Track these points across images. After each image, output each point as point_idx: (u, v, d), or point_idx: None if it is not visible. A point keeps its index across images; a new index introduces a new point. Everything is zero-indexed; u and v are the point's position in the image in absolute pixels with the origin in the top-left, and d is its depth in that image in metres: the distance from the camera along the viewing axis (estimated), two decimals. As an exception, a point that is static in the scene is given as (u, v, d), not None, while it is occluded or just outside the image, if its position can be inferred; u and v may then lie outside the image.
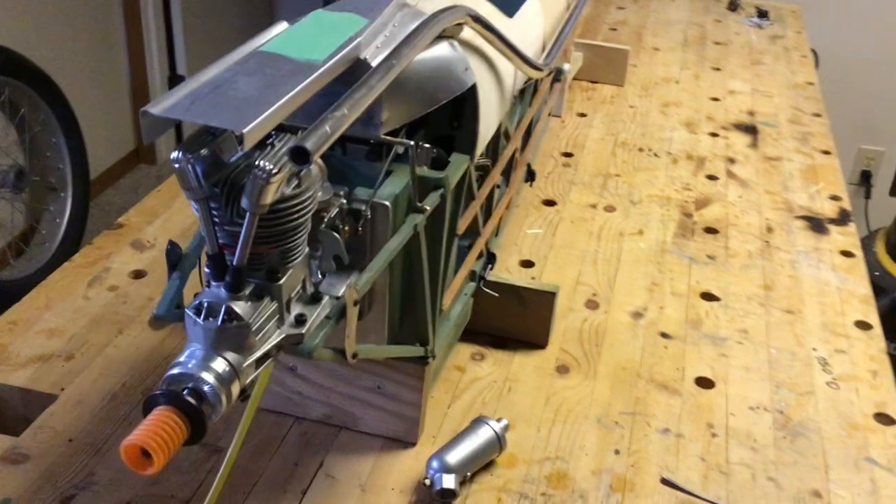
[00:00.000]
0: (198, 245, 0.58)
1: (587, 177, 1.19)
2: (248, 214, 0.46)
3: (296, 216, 0.50)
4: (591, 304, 0.93)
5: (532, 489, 0.70)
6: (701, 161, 1.26)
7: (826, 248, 1.07)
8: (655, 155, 1.27)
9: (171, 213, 1.04)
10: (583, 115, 1.38)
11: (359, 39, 0.54)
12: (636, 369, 0.84)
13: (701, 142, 1.32)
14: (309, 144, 0.42)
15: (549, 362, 0.85)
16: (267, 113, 0.45)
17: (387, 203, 0.56)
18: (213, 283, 0.50)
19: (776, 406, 0.81)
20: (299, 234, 0.51)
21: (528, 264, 0.99)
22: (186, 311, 0.49)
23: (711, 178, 1.22)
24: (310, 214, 0.51)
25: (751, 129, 1.37)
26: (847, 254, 1.06)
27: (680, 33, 1.77)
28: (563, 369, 0.84)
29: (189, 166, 0.47)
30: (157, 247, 0.97)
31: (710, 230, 1.09)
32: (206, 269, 0.51)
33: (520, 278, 0.92)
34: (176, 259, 0.57)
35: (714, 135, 1.34)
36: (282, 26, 0.56)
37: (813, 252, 1.06)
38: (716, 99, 1.47)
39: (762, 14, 1.89)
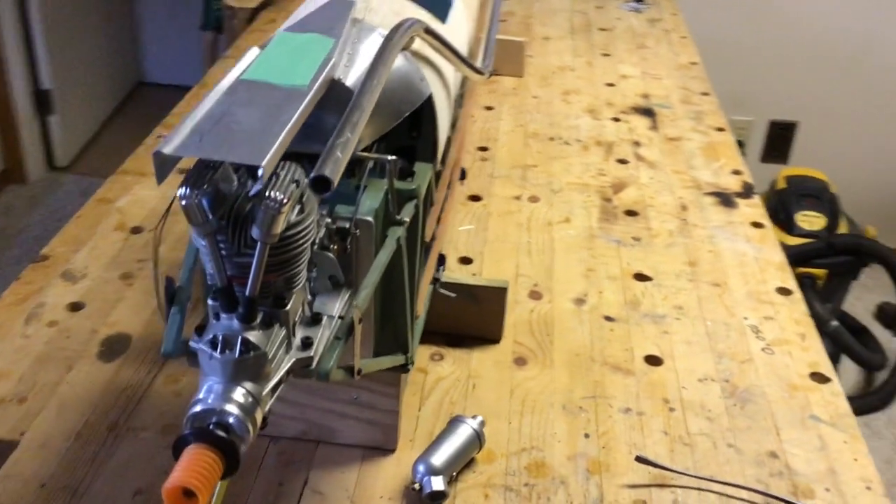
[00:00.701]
0: (188, 277, 0.57)
1: (506, 169, 1.22)
2: (258, 244, 0.46)
3: (301, 242, 0.50)
4: (535, 295, 0.96)
5: (515, 481, 0.73)
6: (609, 146, 1.31)
7: (738, 221, 1.13)
8: (566, 143, 1.31)
9: (97, 241, 1.01)
10: (490, 108, 1.40)
11: (333, 60, 0.55)
12: (588, 354, 0.88)
13: (606, 127, 1.37)
14: (328, 173, 0.43)
15: (506, 356, 0.87)
16: (277, 144, 0.45)
17: (370, 219, 0.57)
18: (224, 316, 0.49)
19: (721, 376, 0.86)
20: (302, 260, 0.51)
21: (466, 261, 1.01)
22: (200, 345, 0.49)
23: (622, 161, 1.27)
24: (311, 239, 0.51)
25: (649, 112, 1.43)
26: (757, 224, 1.13)
27: (566, 21, 1.83)
28: (520, 361, 0.86)
29: (196, 202, 0.46)
30: (89, 276, 0.94)
31: (631, 213, 1.14)
32: (211, 302, 0.50)
33: (468, 276, 0.94)
34: (173, 294, 0.56)
35: (616, 119, 1.40)
36: (254, 52, 0.56)
37: (727, 226, 1.12)
38: (611, 84, 1.53)
39: (638, -2, 1.96)
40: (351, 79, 0.57)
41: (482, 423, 0.74)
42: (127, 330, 0.87)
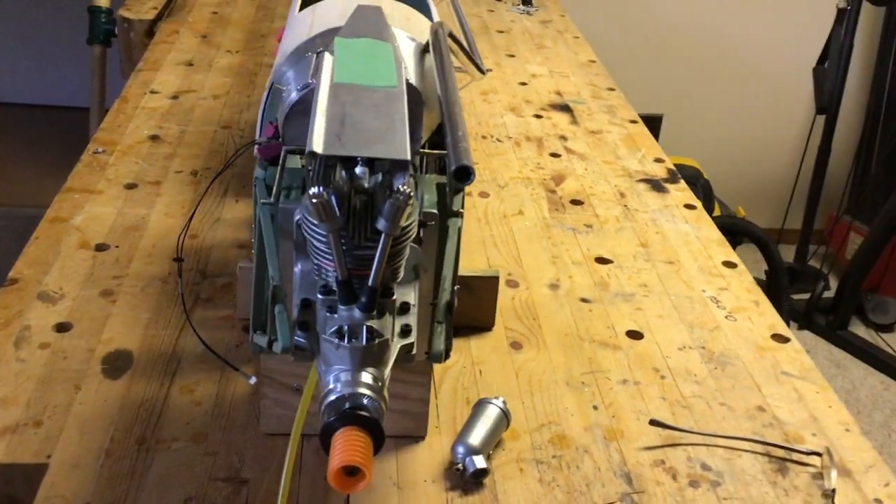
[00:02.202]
0: (280, 275, 0.58)
1: (449, 168, 1.26)
2: (383, 237, 0.49)
3: (411, 234, 0.53)
4: (512, 283, 1.01)
5: (543, 454, 0.77)
6: (539, 141, 1.37)
7: (672, 205, 1.22)
8: (499, 140, 1.37)
9: (63, 260, 0.98)
10: (418, 110, 1.44)
11: (404, 62, 0.58)
12: (576, 334, 0.94)
13: (530, 124, 1.43)
14: (468, 162, 0.46)
15: (501, 341, 0.92)
16: (406, 139, 0.48)
17: (435, 211, 0.61)
18: (342, 308, 0.52)
19: (697, 343, 0.94)
20: (406, 251, 0.54)
21: (437, 256, 1.05)
22: (325, 337, 0.51)
23: (554, 155, 1.33)
24: (416, 231, 0.54)
25: (566, 108, 1.51)
26: (689, 206, 1.22)
27: (465, 25, 1.89)
28: (516, 345, 0.91)
29: (327, 200, 0.48)
30: (68, 296, 0.92)
31: (576, 202, 1.20)
32: (321, 296, 0.52)
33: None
34: (260, 294, 0.57)
35: (538, 116, 1.47)
36: (330, 59, 0.58)
37: (664, 209, 1.20)
38: (524, 83, 1.60)
39: (526, 1, 2.05)
40: (409, 75, 0.60)
41: (505, 403, 0.78)
42: (125, 346, 0.86)
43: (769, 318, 0.99)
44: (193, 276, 0.97)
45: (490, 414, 0.77)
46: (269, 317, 0.64)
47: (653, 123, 3.09)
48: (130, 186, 1.14)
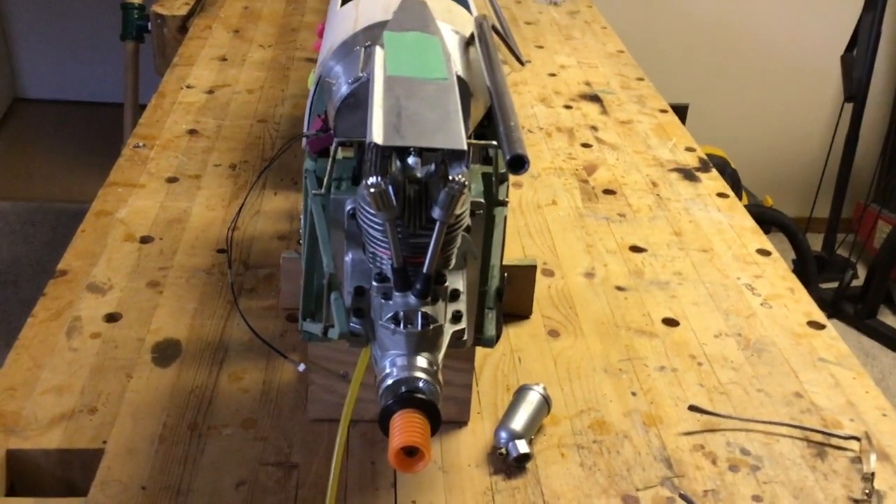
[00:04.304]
0: (334, 264, 0.60)
1: (483, 159, 1.28)
2: (438, 224, 0.51)
3: (463, 222, 0.54)
4: (547, 273, 1.03)
5: (583, 439, 0.79)
6: (570, 132, 1.39)
7: (705, 194, 1.23)
8: (530, 131, 1.38)
9: (110, 252, 1.00)
10: (449, 102, 1.46)
11: (451, 54, 0.59)
12: (612, 322, 0.95)
13: (560, 115, 1.45)
14: (523, 151, 0.48)
15: (539, 329, 0.93)
16: (462, 129, 0.49)
17: (482, 200, 0.62)
18: (397, 294, 0.53)
19: (733, 330, 0.95)
20: (458, 239, 0.55)
21: (474, 246, 1.07)
22: (381, 324, 0.53)
23: (585, 145, 1.35)
24: (467, 221, 0.56)
25: (595, 98, 1.52)
26: (722, 195, 1.23)
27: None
28: (553, 333, 0.93)
29: (384, 189, 0.50)
30: (116, 287, 0.95)
31: (609, 191, 1.21)
32: (377, 283, 0.54)
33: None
34: (331, 281, 0.59)
35: (568, 107, 1.48)
36: (381, 52, 0.60)
37: (697, 198, 1.21)
38: (553, 74, 1.61)
39: (553, -8, 2.05)
40: (457, 67, 0.62)
41: (545, 388, 0.80)
42: (173, 335, 0.88)
43: (805, 304, 1.00)
44: (237, 268, 0.99)
45: (531, 400, 0.79)
46: (319, 304, 0.66)
47: (679, 113, 3.09)
48: (171, 180, 1.16)
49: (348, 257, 0.60)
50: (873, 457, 0.77)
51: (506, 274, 0.63)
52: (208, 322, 0.90)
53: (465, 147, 0.48)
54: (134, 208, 1.09)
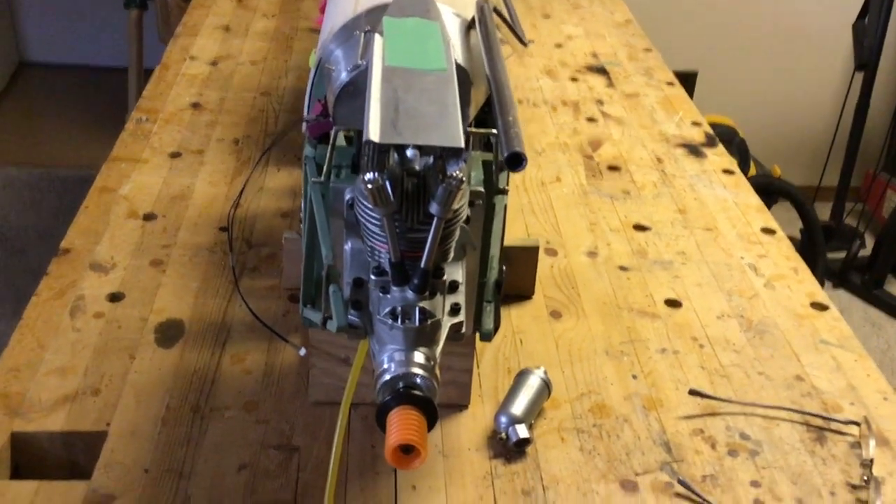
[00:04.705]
0: (332, 255, 0.60)
1: (487, 134, 1.27)
2: (435, 220, 0.50)
3: (461, 216, 0.54)
4: (550, 252, 1.02)
5: (583, 423, 0.79)
6: (575, 105, 1.37)
7: (710, 170, 1.22)
8: (535, 105, 1.37)
9: (113, 230, 1.01)
10: (454, 75, 1.45)
11: (451, 42, 0.59)
12: (614, 302, 0.95)
13: (566, 88, 1.43)
14: (520, 148, 0.47)
15: (541, 310, 0.93)
16: (460, 126, 0.49)
17: (482, 189, 0.62)
18: (395, 289, 0.53)
19: (735, 312, 0.94)
20: (457, 232, 0.55)
21: (477, 224, 1.06)
22: (379, 318, 0.53)
23: (591, 120, 1.33)
24: (465, 214, 0.55)
25: (602, 70, 1.50)
26: (728, 171, 1.22)
27: (500, -15, 1.87)
28: (555, 314, 0.93)
29: (381, 185, 0.50)
30: (119, 266, 0.95)
31: (613, 168, 1.21)
32: (374, 277, 0.54)
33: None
34: (330, 273, 0.59)
35: (574, 79, 1.46)
36: (379, 40, 0.59)
37: (702, 175, 1.20)
38: (559, 45, 1.59)
39: (561, -41, 2.02)
40: (457, 55, 0.61)
41: (546, 372, 0.80)
42: (176, 315, 0.88)
43: (808, 285, 0.99)
44: (239, 246, 0.99)
45: (532, 384, 0.79)
46: (319, 291, 0.66)
47: (688, 80, 3.06)
48: (174, 155, 1.16)
49: (347, 246, 0.60)
50: (872, 442, 0.77)
51: (504, 267, 0.63)
52: (211, 302, 0.91)
53: (462, 145, 0.47)
54: (137, 184, 1.09)
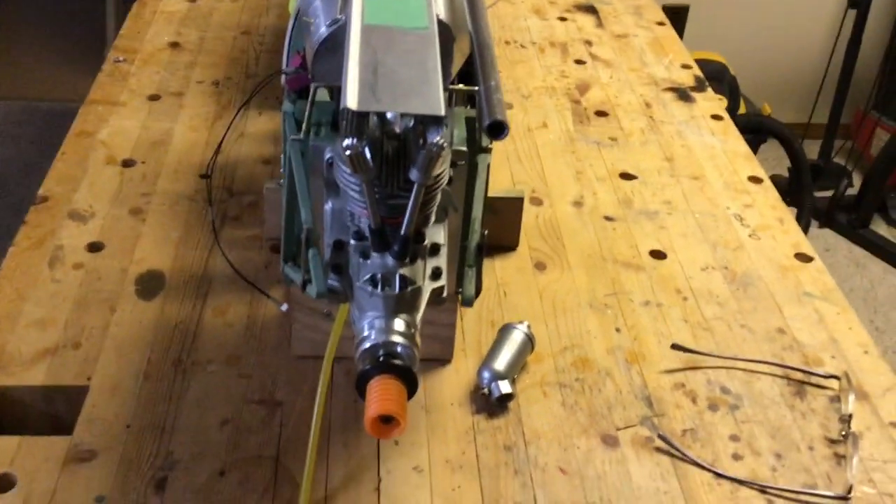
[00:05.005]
0: (312, 218, 0.59)
1: (473, 77, 1.25)
2: (416, 186, 0.49)
3: (442, 181, 0.53)
4: (535, 201, 1.01)
5: (566, 377, 0.79)
6: (563, 47, 1.35)
7: (699, 115, 1.20)
8: (522, 46, 1.35)
9: (92, 177, 0.99)
10: (440, 14, 1.41)
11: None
12: (599, 254, 0.94)
13: (555, 28, 1.41)
14: (502, 117, 0.46)
15: (525, 262, 0.93)
16: (441, 91, 0.47)
17: (464, 149, 0.60)
18: (375, 255, 0.52)
19: (720, 263, 0.94)
20: (438, 197, 0.54)
21: (462, 172, 1.05)
22: (359, 285, 0.52)
23: (579, 62, 1.31)
24: (448, 177, 0.54)
25: (591, 9, 1.47)
26: (716, 117, 1.20)
27: (489, -82, 1.82)
28: (540, 266, 0.92)
29: (360, 151, 0.48)
30: (98, 215, 0.93)
31: (601, 113, 1.19)
32: (354, 242, 0.53)
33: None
34: (309, 236, 0.58)
35: (563, 19, 1.43)
36: (357, -4, 0.57)
37: (690, 120, 1.19)
38: (548, -18, 1.56)
39: None
40: (439, 10, 0.59)
41: (529, 327, 0.80)
42: (157, 266, 0.88)
43: (793, 236, 0.99)
44: (220, 194, 0.98)
45: (515, 339, 0.79)
46: (300, 249, 0.65)
47: (679, 14, 3.01)
48: (153, 98, 1.13)
49: (328, 206, 0.59)
50: (851, 397, 0.77)
51: (486, 231, 0.62)
52: (192, 253, 0.90)
53: (443, 113, 0.46)
54: (115, 129, 1.07)
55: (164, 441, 0.71)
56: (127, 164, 1.01)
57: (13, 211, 0.88)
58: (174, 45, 1.25)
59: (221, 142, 1.03)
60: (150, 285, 0.85)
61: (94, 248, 0.89)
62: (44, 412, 0.75)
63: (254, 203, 0.97)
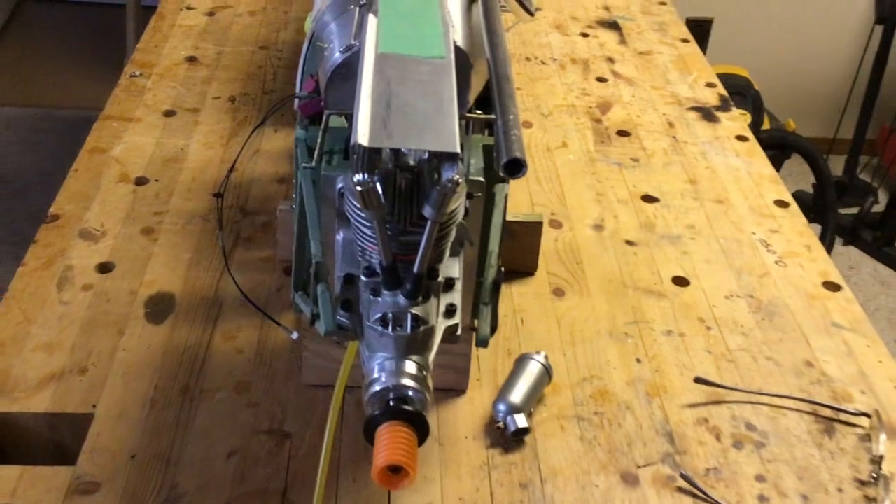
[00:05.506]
0: (322, 251, 0.57)
1: (493, 94, 1.23)
2: (429, 223, 0.47)
3: (457, 217, 0.51)
4: (555, 224, 0.99)
5: (584, 411, 0.77)
6: (585, 64, 1.33)
7: (723, 136, 1.18)
8: (543, 62, 1.32)
9: (103, 195, 0.97)
10: (460, 29, 1.39)
11: (451, 25, 0.55)
12: (620, 280, 0.92)
13: (577, 44, 1.38)
14: (520, 154, 0.44)
15: (544, 287, 0.90)
16: (456, 126, 0.45)
17: (482, 179, 0.58)
18: (386, 293, 0.50)
19: (745, 291, 0.91)
20: (452, 233, 0.52)
21: (480, 192, 1.03)
22: (369, 324, 0.50)
23: (601, 80, 1.29)
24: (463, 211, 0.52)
25: (614, 25, 1.45)
26: (741, 138, 1.17)
27: (511, -70, 1.80)
28: (558, 292, 0.90)
29: (372, 187, 0.46)
30: (109, 234, 0.92)
31: (623, 133, 1.17)
32: (365, 278, 0.51)
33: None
34: (318, 271, 0.56)
35: (584, 35, 1.41)
36: (374, 22, 0.55)
37: (714, 141, 1.16)
38: (570, -3, 1.53)
39: None
40: (457, 36, 0.57)
41: (547, 358, 0.78)
42: (167, 288, 0.86)
43: (821, 263, 0.96)
44: (233, 214, 0.96)
45: (532, 370, 0.76)
46: (310, 279, 0.63)
47: (702, 28, 2.98)
48: (169, 114, 1.12)
49: (339, 236, 0.57)
50: (883, 436, 0.74)
51: (502, 268, 0.60)
52: (203, 275, 0.88)
53: (458, 150, 0.44)
54: (129, 145, 1.06)
55: (168, 473, 0.69)
56: (140, 181, 1.00)
57: (32, 221, 0.87)
58: (191, 59, 1.24)
59: (236, 160, 1.01)
60: (159, 308, 0.83)
61: (105, 268, 0.88)
62: (48, 439, 0.74)
63: (267, 223, 0.95)
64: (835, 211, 2.50)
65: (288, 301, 0.85)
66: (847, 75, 2.71)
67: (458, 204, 0.50)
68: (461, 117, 0.59)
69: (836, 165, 2.68)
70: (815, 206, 2.48)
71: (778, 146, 2.33)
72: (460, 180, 0.46)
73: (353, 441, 0.73)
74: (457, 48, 0.55)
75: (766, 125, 2.45)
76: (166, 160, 1.04)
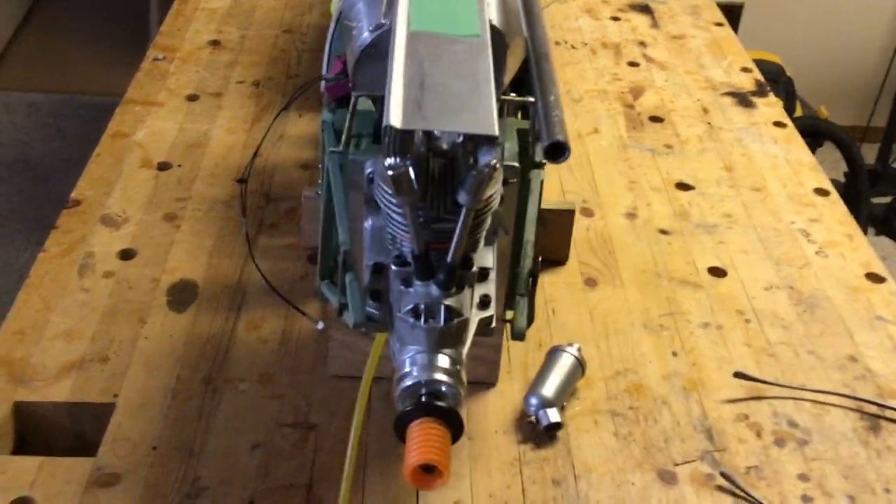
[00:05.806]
0: (351, 239, 0.55)
1: (522, 79, 1.20)
2: (464, 210, 0.45)
3: (493, 204, 0.48)
4: (587, 212, 0.96)
5: (619, 405, 0.74)
6: (616, 48, 1.29)
7: (760, 122, 1.14)
8: (573, 47, 1.29)
9: (125, 181, 0.96)
10: (488, 12, 1.36)
11: (486, 2, 0.52)
12: (654, 270, 0.89)
13: (607, 27, 1.35)
14: (563, 138, 0.41)
15: (575, 277, 0.87)
16: (494, 107, 0.43)
17: (516, 164, 0.56)
18: (418, 283, 0.48)
19: (785, 283, 0.88)
20: (488, 221, 0.50)
21: (509, 179, 1.00)
22: (400, 315, 0.47)
23: (633, 64, 1.25)
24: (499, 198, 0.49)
25: (646, 9, 1.41)
26: (779, 124, 1.14)
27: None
28: (590, 282, 0.87)
29: (405, 171, 0.44)
30: (131, 220, 0.90)
31: (656, 119, 1.13)
32: (395, 268, 0.48)
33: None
34: (346, 259, 0.54)
35: (616, 18, 1.38)
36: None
37: (751, 127, 1.13)
38: (601, -20, 1.50)
39: None
40: (491, 14, 0.54)
41: (580, 350, 0.75)
42: (190, 276, 0.84)
43: (864, 254, 0.93)
44: (257, 200, 0.94)
45: (564, 363, 0.74)
46: (336, 268, 0.61)
47: (734, 13, 2.92)
48: (192, 98, 1.10)
49: (368, 223, 0.55)
50: (931, 435, 0.71)
51: (539, 258, 0.57)
52: (226, 262, 0.86)
53: (496, 132, 0.41)
54: (152, 130, 1.04)
55: (191, 465, 0.67)
56: (162, 167, 0.98)
57: (55, 207, 0.86)
58: (215, 43, 1.22)
59: (259, 145, 0.99)
60: (182, 296, 0.82)
61: (126, 255, 0.86)
62: (68, 430, 0.72)
63: (291, 210, 0.93)
64: (867, 200, 2.45)
65: (313, 288, 0.83)
66: (881, 62, 2.65)
67: (495, 190, 0.48)
68: (497, 99, 0.57)
69: (869, 154, 2.63)
70: (846, 196, 2.43)
71: (810, 134, 2.27)
72: (498, 165, 0.44)
73: (381, 434, 0.70)
74: (492, 26, 0.52)
75: (797, 112, 2.40)
76: (189, 145, 1.02)
